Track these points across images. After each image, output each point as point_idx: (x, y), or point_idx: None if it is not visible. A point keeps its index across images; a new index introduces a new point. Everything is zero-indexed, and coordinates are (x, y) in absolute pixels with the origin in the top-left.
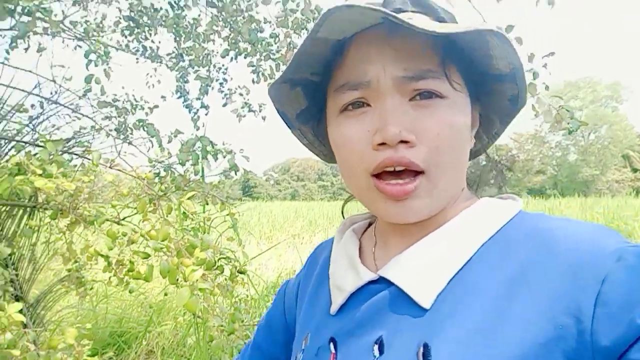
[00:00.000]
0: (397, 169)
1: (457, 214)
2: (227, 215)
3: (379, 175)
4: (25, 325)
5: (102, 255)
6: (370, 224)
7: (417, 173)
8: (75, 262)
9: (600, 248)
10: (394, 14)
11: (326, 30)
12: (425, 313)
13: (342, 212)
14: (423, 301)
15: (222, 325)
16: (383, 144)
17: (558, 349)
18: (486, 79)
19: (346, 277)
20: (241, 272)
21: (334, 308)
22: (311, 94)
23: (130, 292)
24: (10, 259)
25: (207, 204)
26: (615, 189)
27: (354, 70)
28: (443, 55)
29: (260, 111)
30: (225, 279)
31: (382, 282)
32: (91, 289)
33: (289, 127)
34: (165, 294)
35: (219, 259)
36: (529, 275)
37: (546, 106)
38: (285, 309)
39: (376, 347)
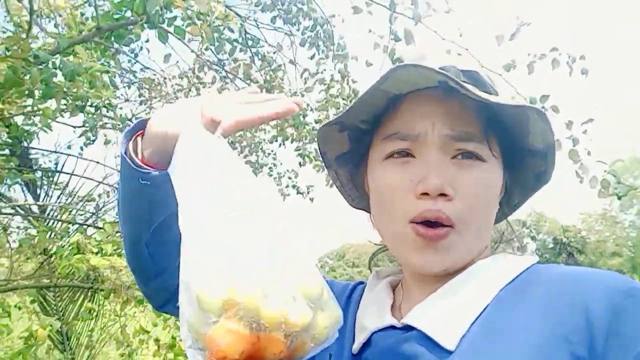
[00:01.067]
0: (432, 220)
1: (474, 263)
2: None
3: (418, 222)
4: None
5: (147, 332)
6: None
7: (446, 226)
8: (128, 345)
9: (613, 285)
10: (455, 78)
11: (388, 85)
12: (450, 355)
13: (370, 266)
14: (448, 343)
15: None
16: (425, 194)
17: None
18: (520, 153)
19: (371, 318)
20: None
21: (355, 346)
22: (356, 140)
23: None
24: (69, 344)
25: None
26: None
27: (405, 122)
28: (486, 124)
29: (308, 193)
30: None
31: (406, 328)
32: None
33: (326, 166)
34: None
35: None
36: (544, 310)
37: (590, 173)
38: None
39: None
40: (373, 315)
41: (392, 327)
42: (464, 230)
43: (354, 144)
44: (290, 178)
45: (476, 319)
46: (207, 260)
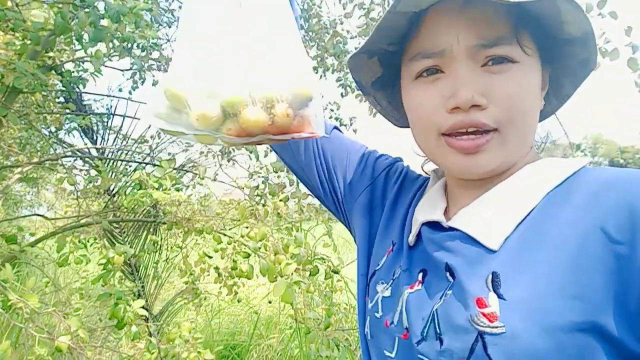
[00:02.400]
0: (469, 129)
1: (519, 167)
2: (322, 222)
3: (450, 134)
4: (150, 335)
5: (209, 257)
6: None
7: (489, 131)
8: (191, 274)
9: None
10: None
11: (404, 4)
12: (494, 253)
13: (423, 170)
14: (491, 244)
15: (318, 319)
16: (457, 108)
17: (616, 273)
18: (557, 43)
19: (423, 212)
20: (335, 272)
21: (411, 239)
22: (387, 63)
23: (238, 301)
24: (137, 274)
25: (303, 212)
26: None
27: (428, 40)
28: (515, 21)
29: (351, 124)
30: (324, 284)
31: (452, 229)
32: (205, 299)
33: (363, 93)
34: (269, 302)
35: (314, 259)
36: (589, 207)
37: None
38: (375, 168)
39: (448, 273)
40: (425, 211)
41: (440, 225)
42: (505, 131)
43: (386, 68)
44: (332, 110)
45: (522, 221)
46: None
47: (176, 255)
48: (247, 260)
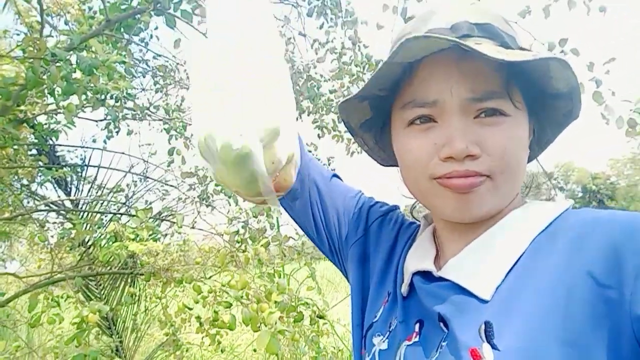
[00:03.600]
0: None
1: (507, 214)
2: (305, 264)
3: (441, 177)
4: None
5: (189, 308)
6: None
7: (482, 175)
8: (172, 325)
9: None
10: (464, 43)
11: (401, 56)
12: (486, 303)
13: (412, 215)
14: (484, 294)
15: None
16: (450, 157)
17: (606, 317)
18: (545, 97)
19: (414, 262)
20: (320, 317)
21: (404, 289)
22: (377, 106)
23: (222, 351)
24: (115, 328)
25: (285, 255)
26: None
27: (422, 89)
28: (506, 77)
29: (329, 164)
30: (308, 330)
31: (443, 279)
32: (187, 350)
33: (351, 134)
34: (254, 350)
35: (298, 305)
36: (575, 250)
37: (616, 114)
38: (370, 216)
39: (442, 323)
40: (415, 260)
41: (431, 274)
42: (498, 179)
43: (375, 111)
44: (310, 151)
45: (512, 268)
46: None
47: (155, 306)
48: (229, 310)
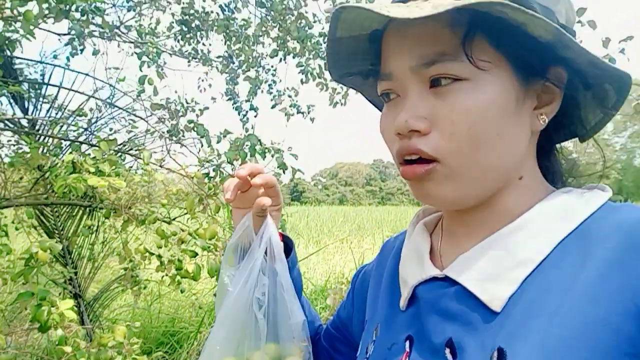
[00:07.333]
0: (413, 157)
1: (530, 207)
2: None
3: (401, 162)
4: (82, 322)
5: (152, 254)
6: (441, 218)
7: (431, 160)
8: (131, 261)
9: None
10: (382, 12)
11: (344, 30)
12: (496, 317)
13: None
14: (493, 304)
15: None
16: (399, 133)
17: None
18: (532, 48)
19: (411, 270)
20: None
21: (402, 303)
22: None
23: (181, 292)
24: (70, 257)
25: None
26: None
27: (382, 61)
28: (467, 33)
29: (308, 112)
30: None
31: (449, 280)
32: (144, 288)
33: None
34: (215, 295)
35: None
36: (617, 270)
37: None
38: (355, 290)
39: (448, 350)
40: (413, 266)
41: (434, 278)
42: (449, 161)
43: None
44: (290, 97)
45: (530, 275)
46: None
47: (116, 238)
48: (194, 260)
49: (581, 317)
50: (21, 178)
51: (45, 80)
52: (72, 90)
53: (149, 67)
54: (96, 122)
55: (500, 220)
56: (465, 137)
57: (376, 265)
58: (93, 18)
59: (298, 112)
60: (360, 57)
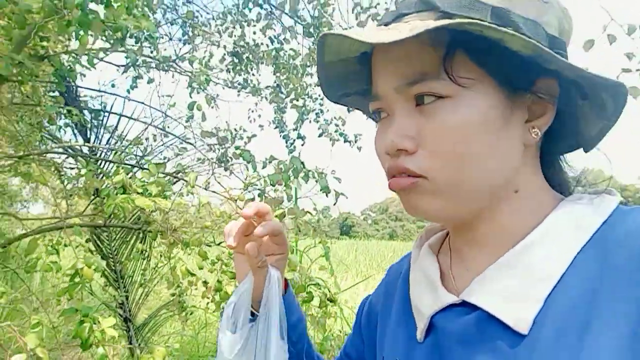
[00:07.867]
0: (403, 176)
1: (537, 219)
2: (320, 243)
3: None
4: (130, 344)
5: (192, 274)
6: (447, 235)
7: (418, 176)
8: (178, 286)
9: None
10: (358, 38)
11: (332, 54)
12: (524, 339)
13: None
14: (519, 327)
15: None
16: (388, 153)
17: None
18: (514, 62)
19: (425, 299)
20: (331, 300)
21: (419, 335)
22: None
23: None
24: (122, 282)
25: (300, 230)
26: None
27: (372, 81)
28: (447, 51)
29: (356, 141)
30: (316, 312)
31: (467, 305)
32: (191, 314)
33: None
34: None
35: (308, 285)
36: (629, 284)
37: None
38: (361, 326)
39: None
40: (426, 294)
41: (451, 305)
42: (436, 180)
43: None
44: (337, 125)
45: (551, 293)
46: None
47: (165, 264)
48: (234, 281)
49: (612, 333)
50: (81, 197)
51: (107, 110)
52: (132, 119)
53: (198, 93)
54: (151, 150)
55: (505, 235)
56: (450, 155)
57: (383, 294)
58: (151, 49)
59: (345, 141)
60: (352, 79)
